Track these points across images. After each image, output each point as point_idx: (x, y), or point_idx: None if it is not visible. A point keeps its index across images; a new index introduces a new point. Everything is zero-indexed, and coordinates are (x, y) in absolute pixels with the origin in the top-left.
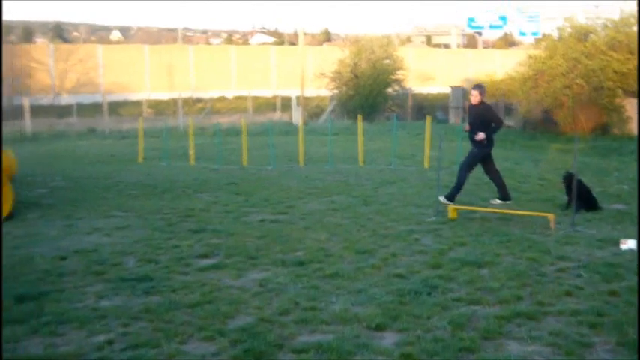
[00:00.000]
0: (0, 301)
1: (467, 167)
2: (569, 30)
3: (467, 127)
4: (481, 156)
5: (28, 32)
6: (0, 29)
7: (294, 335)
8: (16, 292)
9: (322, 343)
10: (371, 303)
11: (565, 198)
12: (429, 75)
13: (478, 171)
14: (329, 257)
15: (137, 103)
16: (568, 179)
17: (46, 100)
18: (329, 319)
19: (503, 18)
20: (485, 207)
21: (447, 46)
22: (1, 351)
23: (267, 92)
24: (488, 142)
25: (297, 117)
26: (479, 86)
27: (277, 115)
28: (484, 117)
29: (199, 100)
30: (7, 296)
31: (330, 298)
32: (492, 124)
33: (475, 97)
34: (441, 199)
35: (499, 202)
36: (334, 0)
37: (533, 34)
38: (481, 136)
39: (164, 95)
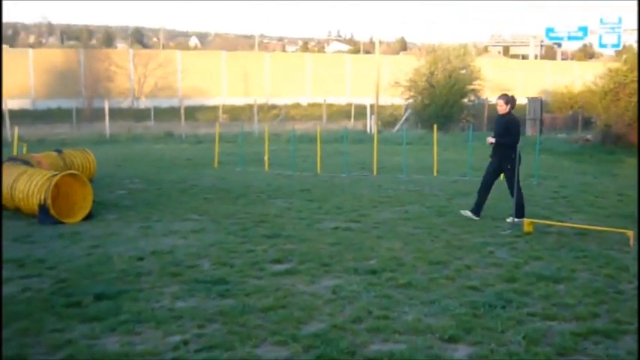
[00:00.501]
0: (0, 300)
1: (514, 183)
2: None
3: (491, 139)
4: (515, 170)
5: (108, 37)
6: (0, 30)
7: (367, 344)
8: (95, 291)
9: (395, 353)
10: (444, 314)
11: None
12: (505, 86)
13: (554, 185)
14: (402, 267)
15: (213, 109)
16: None
17: (125, 103)
18: (401, 329)
19: (583, 29)
20: (563, 221)
21: (524, 57)
22: (0, 351)
23: (341, 100)
24: (516, 155)
25: (371, 125)
26: (505, 96)
27: (351, 123)
28: (502, 126)
29: (274, 106)
30: (85, 294)
31: (402, 307)
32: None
33: (501, 107)
34: (510, 220)
35: (469, 213)
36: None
37: (614, 45)
38: (490, 140)
39: (239, 101)
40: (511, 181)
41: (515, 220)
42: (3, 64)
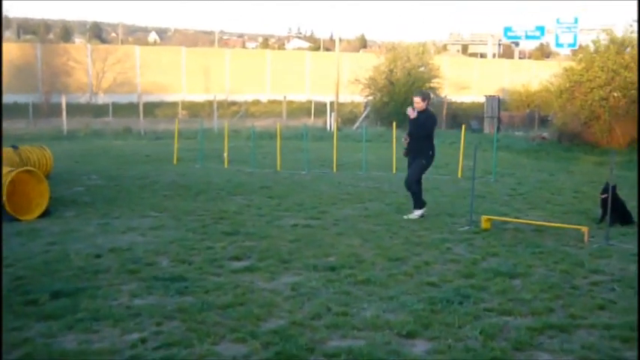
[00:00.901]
0: (0, 302)
1: (417, 179)
2: (604, 42)
3: (406, 138)
4: (427, 167)
5: (66, 31)
6: (0, 29)
7: (326, 340)
8: (52, 289)
9: (353, 349)
10: (402, 310)
11: (599, 211)
12: (464, 84)
13: (512, 182)
14: (361, 263)
15: (172, 105)
16: (607, 191)
17: (83, 99)
18: (360, 325)
19: (540, 28)
20: (520, 218)
21: (483, 56)
22: (0, 351)
23: (301, 97)
24: (433, 152)
25: (330, 122)
26: (422, 92)
27: (311, 121)
28: (426, 126)
29: (234, 103)
30: (42, 292)
31: (361, 304)
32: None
33: (419, 104)
34: (417, 212)
35: (416, 213)
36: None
37: (570, 45)
38: (406, 139)
39: (199, 97)
40: (416, 173)
41: (416, 212)
42: None
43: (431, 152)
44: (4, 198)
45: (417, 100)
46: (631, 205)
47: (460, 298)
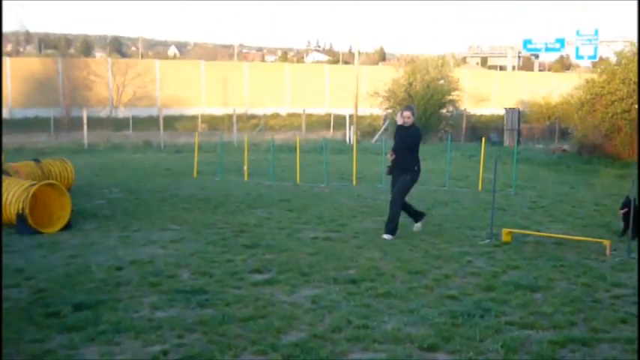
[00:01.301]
0: (0, 303)
1: (401, 197)
2: (627, 54)
3: (392, 154)
4: (413, 183)
5: (87, 46)
6: (0, 36)
7: (347, 353)
8: (74, 301)
9: None
10: (423, 324)
11: (621, 224)
12: (483, 96)
13: (532, 195)
14: (381, 276)
15: (192, 118)
16: (627, 205)
17: (103, 112)
18: (381, 339)
19: (560, 40)
20: (540, 231)
21: (502, 68)
22: (0, 352)
23: (320, 110)
24: (419, 167)
25: (350, 135)
26: (411, 107)
27: (330, 133)
28: (414, 141)
29: (253, 116)
30: (64, 304)
31: (382, 317)
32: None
33: (410, 119)
34: (386, 237)
35: (418, 225)
36: (391, 14)
37: (590, 57)
38: (392, 155)
39: (219, 111)
40: (403, 191)
41: (385, 236)
42: None
43: (416, 167)
44: (27, 211)
45: (408, 114)
46: None
47: (481, 311)
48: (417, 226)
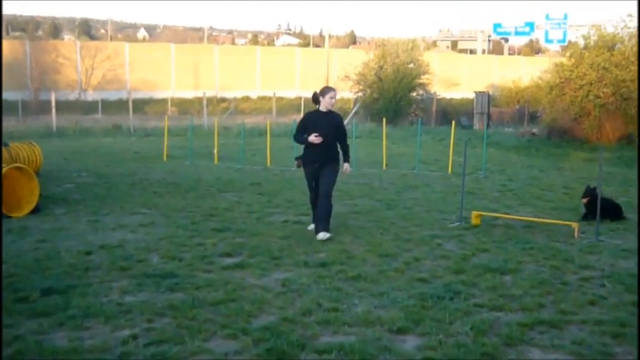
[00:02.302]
0: (0, 303)
1: (331, 190)
2: (594, 38)
3: (317, 138)
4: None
5: (55, 28)
6: (0, 26)
7: (317, 336)
8: (43, 286)
9: (344, 345)
10: (393, 306)
11: (583, 210)
12: (453, 80)
13: (502, 178)
14: (351, 260)
15: (162, 102)
16: (588, 194)
17: (72, 95)
18: (351, 321)
19: (530, 24)
20: (510, 214)
21: (472, 52)
22: (0, 351)
23: (291, 93)
24: (338, 155)
25: None
26: (333, 89)
27: (300, 117)
28: (340, 126)
29: (223, 99)
30: (33, 289)
31: (352, 300)
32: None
33: (334, 101)
34: (322, 235)
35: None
36: (361, 1)
37: (560, 41)
38: (315, 139)
39: (189, 94)
40: (333, 184)
41: (321, 235)
42: None
43: (339, 157)
44: None
45: (332, 95)
46: (621, 201)
47: (451, 294)
48: (313, 226)
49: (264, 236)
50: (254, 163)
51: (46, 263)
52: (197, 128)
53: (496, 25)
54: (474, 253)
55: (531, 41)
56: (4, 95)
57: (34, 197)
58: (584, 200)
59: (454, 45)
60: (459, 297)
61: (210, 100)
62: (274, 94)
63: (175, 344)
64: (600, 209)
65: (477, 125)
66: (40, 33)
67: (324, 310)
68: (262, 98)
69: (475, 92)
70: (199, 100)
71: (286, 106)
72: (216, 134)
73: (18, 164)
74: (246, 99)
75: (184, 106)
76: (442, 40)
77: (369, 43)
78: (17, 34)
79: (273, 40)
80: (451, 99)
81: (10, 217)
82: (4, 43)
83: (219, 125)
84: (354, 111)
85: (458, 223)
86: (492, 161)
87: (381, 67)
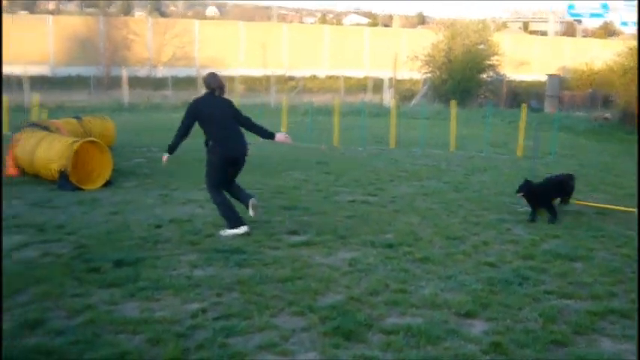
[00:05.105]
0: (0, 304)
1: (211, 184)
2: None
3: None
4: (215, 163)
5: (127, 5)
6: (0, 13)
7: (384, 316)
8: (114, 257)
9: (412, 326)
10: (461, 290)
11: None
12: (524, 62)
13: (572, 163)
14: (419, 241)
15: (230, 79)
16: (523, 189)
17: (142, 72)
18: (418, 303)
19: (604, 6)
20: (581, 200)
21: (544, 33)
22: (1, 349)
23: (359, 73)
24: (214, 143)
25: (388, 99)
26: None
27: (368, 97)
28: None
29: (291, 78)
30: (104, 260)
31: (419, 282)
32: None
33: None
34: (223, 233)
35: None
36: None
37: (635, 23)
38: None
39: (257, 72)
40: (207, 177)
41: (223, 232)
42: (20, 30)
43: (211, 143)
44: (69, 167)
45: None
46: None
47: (519, 279)
48: (227, 232)
49: (331, 215)
50: (321, 141)
51: (116, 235)
52: (265, 106)
53: (570, 7)
54: (543, 238)
55: (605, 23)
56: (78, 70)
57: (106, 171)
58: (519, 195)
59: (525, 26)
60: (527, 283)
61: (278, 79)
62: (342, 73)
63: (243, 319)
64: (540, 197)
65: (547, 108)
66: (112, 9)
67: (391, 291)
68: (330, 77)
69: (547, 75)
70: (267, 78)
71: (354, 85)
72: (284, 112)
73: (92, 138)
74: (314, 78)
75: (252, 83)
76: (513, 22)
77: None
78: (91, 10)
79: (342, 20)
80: (521, 81)
81: (83, 189)
82: (79, 19)
83: (287, 104)
84: (422, 92)
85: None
86: (563, 145)
87: (450, 48)
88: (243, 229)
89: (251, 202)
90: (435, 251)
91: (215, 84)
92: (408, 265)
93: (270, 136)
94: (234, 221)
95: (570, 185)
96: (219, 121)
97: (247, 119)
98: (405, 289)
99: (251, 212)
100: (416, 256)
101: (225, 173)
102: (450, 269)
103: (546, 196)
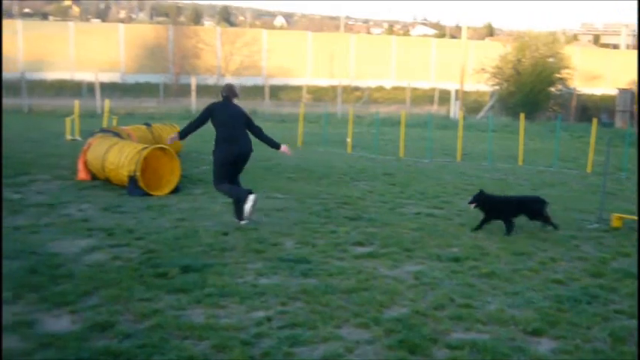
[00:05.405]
0: (0, 302)
1: (218, 182)
2: None
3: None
4: (218, 163)
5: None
6: (0, 17)
7: (449, 331)
8: (181, 263)
9: (477, 342)
10: (528, 307)
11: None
12: (597, 76)
13: None
14: (485, 256)
15: (297, 88)
16: (475, 200)
17: (210, 80)
18: (484, 319)
19: None
20: None
21: (615, 47)
22: (1, 349)
23: (425, 84)
24: (216, 147)
25: (454, 111)
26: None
27: (434, 108)
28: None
29: (357, 88)
30: (172, 265)
31: (485, 297)
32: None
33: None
34: (243, 222)
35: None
36: None
37: None
38: (286, 149)
39: (323, 82)
40: (214, 175)
41: (241, 222)
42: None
43: (215, 143)
44: (139, 173)
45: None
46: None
47: (588, 297)
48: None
49: (396, 227)
50: (386, 152)
51: (184, 241)
52: (331, 116)
53: None
54: (613, 256)
55: None
56: (148, 78)
57: (174, 177)
58: (472, 205)
59: (596, 39)
60: (596, 301)
61: (344, 89)
62: (408, 84)
63: (308, 329)
64: (492, 210)
65: (618, 123)
66: (182, 18)
67: (456, 306)
68: (396, 88)
69: (618, 89)
70: (333, 88)
71: (420, 96)
72: (351, 122)
73: (161, 144)
74: (380, 88)
75: (319, 93)
76: (584, 34)
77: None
78: (161, 19)
79: (409, 31)
80: (592, 95)
81: (151, 195)
82: (149, 27)
83: (353, 114)
84: (490, 105)
85: (597, 225)
86: (635, 162)
87: (518, 60)
88: (252, 197)
89: (251, 197)
90: (501, 267)
91: (229, 92)
92: (474, 280)
93: (276, 146)
94: (244, 195)
95: (534, 208)
96: (226, 124)
97: (258, 129)
98: (471, 304)
99: (247, 206)
100: (482, 271)
101: (227, 170)
102: (516, 285)
103: (500, 211)
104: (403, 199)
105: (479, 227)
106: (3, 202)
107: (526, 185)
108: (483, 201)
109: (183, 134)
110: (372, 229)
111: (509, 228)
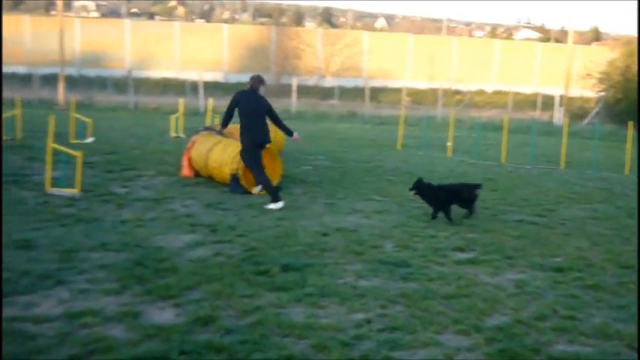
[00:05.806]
0: (0, 302)
1: (250, 165)
2: None
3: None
4: (246, 148)
5: (299, 15)
6: (0, 16)
7: (552, 343)
8: (282, 262)
9: (580, 356)
10: (634, 321)
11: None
12: None
13: None
14: (589, 267)
15: (396, 91)
16: (416, 187)
17: (311, 81)
18: (588, 332)
19: None
20: None
21: None
22: (1, 349)
23: (527, 89)
24: (243, 130)
25: (558, 117)
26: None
27: (537, 114)
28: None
29: (458, 92)
30: (273, 264)
31: (589, 309)
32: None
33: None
34: (272, 206)
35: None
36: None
37: None
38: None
39: (423, 85)
40: (246, 160)
41: (270, 206)
42: (197, 38)
43: (241, 129)
44: (240, 171)
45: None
46: None
47: None
48: (258, 188)
49: (498, 234)
50: (487, 158)
51: (284, 240)
52: (431, 119)
53: None
54: None
55: None
56: (245, 77)
57: (276, 176)
58: (411, 193)
59: None
60: None
61: (444, 92)
62: (510, 88)
63: (408, 333)
64: (433, 198)
65: None
66: (284, 20)
67: (559, 317)
68: (498, 92)
69: None
70: (433, 91)
71: (522, 101)
72: (451, 126)
73: None
74: (481, 92)
75: (418, 96)
76: None
77: (614, 41)
78: (264, 20)
79: (512, 34)
80: None
81: (252, 193)
82: (252, 28)
83: (454, 117)
84: (595, 111)
85: None
86: None
87: (627, 66)
88: (280, 204)
89: (279, 203)
90: (606, 279)
91: (254, 82)
92: (578, 292)
93: (290, 133)
94: (275, 197)
95: (472, 194)
96: (250, 113)
97: (278, 118)
98: (574, 316)
99: (272, 206)
100: (586, 283)
101: (255, 153)
102: (622, 299)
103: (439, 199)
104: (505, 205)
105: (433, 217)
106: (3, 202)
107: (633, 195)
108: (419, 189)
109: (224, 125)
110: (473, 235)
111: (435, 214)
